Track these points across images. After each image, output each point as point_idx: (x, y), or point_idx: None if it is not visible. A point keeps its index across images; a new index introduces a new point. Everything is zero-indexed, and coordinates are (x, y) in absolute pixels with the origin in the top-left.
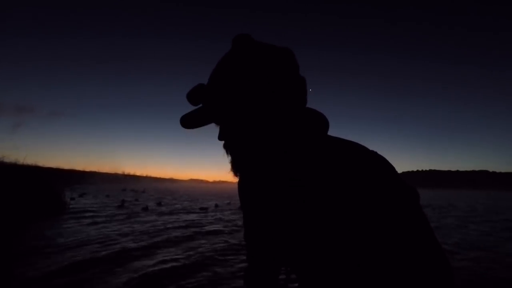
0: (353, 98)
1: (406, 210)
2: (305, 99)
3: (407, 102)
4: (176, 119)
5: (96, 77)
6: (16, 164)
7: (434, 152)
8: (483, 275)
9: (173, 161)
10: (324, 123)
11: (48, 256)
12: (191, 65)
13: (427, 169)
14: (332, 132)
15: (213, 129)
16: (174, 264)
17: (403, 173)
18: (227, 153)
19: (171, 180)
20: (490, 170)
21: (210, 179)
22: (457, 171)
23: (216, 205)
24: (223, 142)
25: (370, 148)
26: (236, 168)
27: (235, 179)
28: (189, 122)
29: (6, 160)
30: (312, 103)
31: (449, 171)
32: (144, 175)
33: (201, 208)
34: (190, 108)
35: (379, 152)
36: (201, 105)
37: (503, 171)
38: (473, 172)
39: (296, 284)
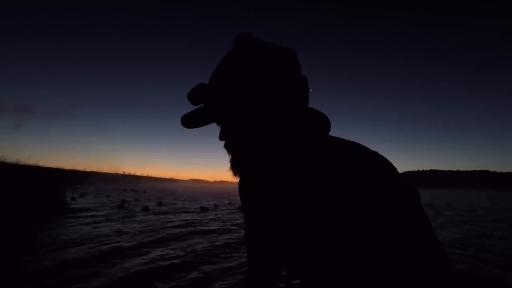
0: (353, 98)
1: (407, 211)
2: (306, 99)
3: (407, 102)
4: (176, 119)
5: (96, 77)
6: (17, 164)
7: (434, 152)
8: (470, 274)
9: (174, 161)
10: (325, 123)
11: (44, 254)
12: (191, 65)
13: (428, 169)
14: (332, 132)
15: (213, 129)
16: (164, 262)
17: (404, 173)
18: (228, 153)
19: (171, 180)
20: (491, 170)
21: (211, 179)
22: (458, 171)
23: (216, 205)
24: (223, 142)
25: (371, 149)
26: (236, 167)
27: (236, 179)
28: (190, 121)
29: (7, 160)
30: (312, 103)
31: (449, 171)
32: (145, 175)
33: (202, 208)
34: (190, 108)
35: (380, 153)
36: (202, 104)
37: (504, 171)
38: (474, 172)
39: (297, 284)
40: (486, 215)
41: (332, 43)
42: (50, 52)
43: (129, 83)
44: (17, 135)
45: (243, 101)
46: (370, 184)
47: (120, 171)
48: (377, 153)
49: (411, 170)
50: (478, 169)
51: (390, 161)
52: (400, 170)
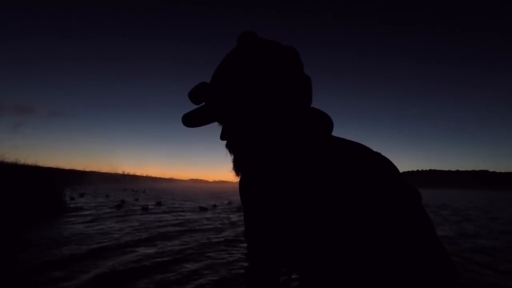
0: (352, 98)
1: (409, 211)
2: (309, 99)
3: (406, 102)
4: (176, 119)
5: (96, 77)
6: (17, 164)
7: (434, 152)
8: None
9: (173, 161)
10: (328, 123)
11: (40, 252)
12: (191, 65)
13: (427, 169)
14: (332, 132)
15: (213, 129)
16: (158, 259)
17: (403, 173)
18: (230, 152)
19: (171, 180)
20: (491, 170)
21: (210, 179)
22: (457, 171)
23: (215, 205)
24: (225, 141)
25: (373, 149)
26: (238, 167)
27: (235, 179)
28: (192, 120)
29: (7, 160)
30: (313, 102)
31: (449, 171)
32: (144, 175)
33: (201, 208)
34: (191, 107)
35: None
36: (203, 103)
37: (503, 171)
38: (473, 172)
39: (297, 283)
40: (479, 214)
41: (332, 43)
42: (50, 52)
43: (129, 83)
44: (17, 135)
45: (245, 100)
46: (372, 184)
47: (120, 171)
48: (379, 153)
49: (410, 170)
50: (477, 169)
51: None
52: (400, 170)
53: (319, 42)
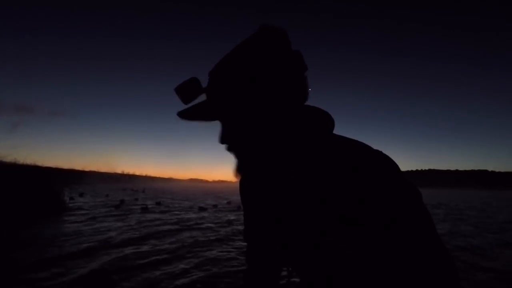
0: (352, 98)
1: (410, 208)
2: (307, 97)
3: (407, 102)
4: (176, 119)
5: (96, 77)
6: (16, 163)
7: (433, 152)
8: None
9: (172, 161)
10: (329, 122)
11: (37, 251)
12: (192, 65)
13: (426, 168)
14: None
15: (212, 128)
16: (148, 259)
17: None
18: (232, 155)
19: (170, 180)
20: (490, 169)
21: (210, 179)
22: (457, 170)
23: (215, 205)
24: (224, 145)
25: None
26: (241, 169)
27: (235, 179)
28: (189, 113)
29: (6, 160)
30: (313, 102)
31: (448, 171)
32: (144, 174)
33: (200, 208)
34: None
35: None
36: (197, 102)
37: (502, 170)
38: (473, 171)
39: (298, 284)
40: (474, 214)
41: (332, 43)
42: (50, 52)
43: (129, 83)
44: (16, 135)
45: (247, 99)
46: (373, 182)
47: (119, 171)
48: (380, 152)
49: (410, 169)
50: (476, 168)
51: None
52: None
53: (319, 42)
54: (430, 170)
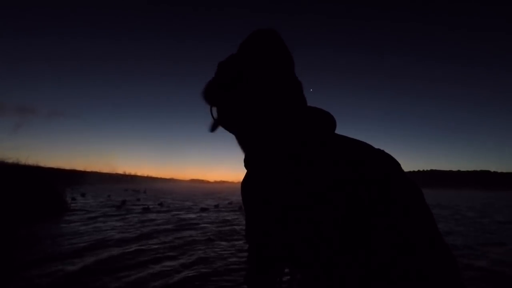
0: (352, 98)
1: (412, 207)
2: (304, 99)
3: (407, 102)
4: (176, 120)
5: (97, 78)
6: (18, 164)
7: (434, 152)
8: None
9: (174, 161)
10: (331, 121)
11: (34, 250)
12: (192, 65)
13: (428, 169)
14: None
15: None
16: (145, 256)
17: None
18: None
19: (172, 180)
20: (492, 170)
21: (211, 179)
22: (458, 171)
23: (216, 205)
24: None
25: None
26: (247, 163)
27: (237, 179)
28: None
29: (8, 160)
30: (313, 102)
31: (450, 171)
32: (145, 175)
33: (202, 209)
34: (190, 107)
35: None
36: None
37: (504, 171)
38: (474, 172)
39: (298, 284)
40: (471, 214)
41: (332, 43)
42: (50, 52)
43: (129, 83)
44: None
45: (252, 102)
46: (376, 179)
47: (121, 171)
48: (382, 150)
49: (411, 170)
50: (478, 169)
51: None
52: None
53: (319, 42)
54: (431, 171)
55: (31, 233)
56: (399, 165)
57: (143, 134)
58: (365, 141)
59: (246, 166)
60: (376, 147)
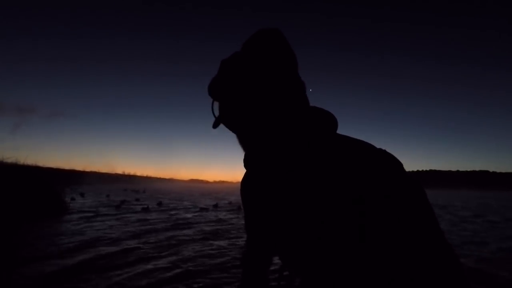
0: (352, 98)
1: (415, 206)
2: (307, 98)
3: (407, 102)
4: (176, 119)
5: (97, 77)
6: (17, 164)
7: (434, 152)
8: None
9: (173, 161)
10: (333, 121)
11: (33, 250)
12: (192, 65)
13: (427, 169)
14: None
15: (211, 127)
16: (141, 255)
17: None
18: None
19: (171, 180)
20: (491, 170)
21: (211, 179)
22: (457, 171)
23: (215, 205)
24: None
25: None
26: (248, 162)
27: (236, 179)
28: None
29: (7, 160)
30: (313, 102)
31: (449, 171)
32: (144, 175)
33: (201, 208)
34: (190, 107)
35: None
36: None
37: (503, 171)
38: (473, 172)
39: (299, 284)
40: (464, 214)
41: (332, 43)
42: (50, 52)
43: (129, 83)
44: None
45: (256, 102)
46: (378, 179)
47: (120, 171)
48: (384, 150)
49: (410, 170)
50: (477, 169)
51: None
52: None
53: (319, 42)
54: (431, 171)
55: (29, 232)
56: (401, 165)
57: (143, 134)
58: (365, 140)
59: (245, 166)
60: (376, 147)
